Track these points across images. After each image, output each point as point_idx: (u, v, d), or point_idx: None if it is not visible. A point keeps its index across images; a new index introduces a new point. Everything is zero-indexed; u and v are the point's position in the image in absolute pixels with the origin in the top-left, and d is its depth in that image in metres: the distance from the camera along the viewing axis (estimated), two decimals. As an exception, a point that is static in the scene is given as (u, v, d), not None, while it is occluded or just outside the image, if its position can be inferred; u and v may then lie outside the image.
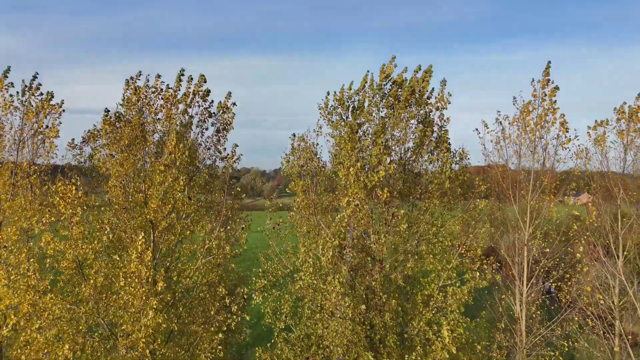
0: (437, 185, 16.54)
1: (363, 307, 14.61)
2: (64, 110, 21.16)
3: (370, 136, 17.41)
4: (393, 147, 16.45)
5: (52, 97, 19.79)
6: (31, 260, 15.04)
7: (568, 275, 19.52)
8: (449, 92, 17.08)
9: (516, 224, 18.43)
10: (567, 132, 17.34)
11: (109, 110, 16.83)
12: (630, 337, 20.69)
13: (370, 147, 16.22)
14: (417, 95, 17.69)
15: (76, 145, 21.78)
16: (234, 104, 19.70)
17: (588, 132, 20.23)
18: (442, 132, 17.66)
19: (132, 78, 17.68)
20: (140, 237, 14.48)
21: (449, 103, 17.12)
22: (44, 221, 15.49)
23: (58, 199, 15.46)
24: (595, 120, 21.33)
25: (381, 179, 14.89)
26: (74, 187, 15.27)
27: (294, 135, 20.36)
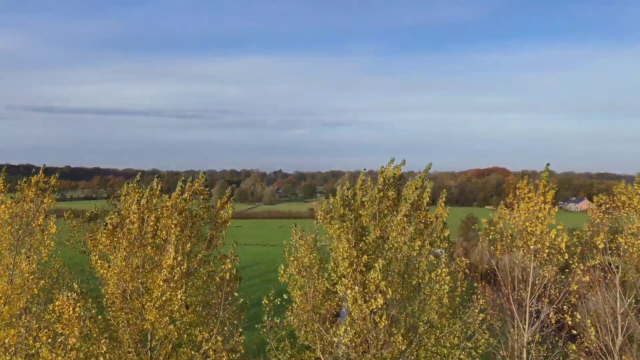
0: (436, 299, 16.55)
1: None
2: (58, 180, 20.95)
3: (370, 241, 17.33)
4: (394, 262, 16.40)
5: (53, 190, 19.79)
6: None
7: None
8: (449, 207, 17.15)
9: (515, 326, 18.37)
10: (566, 245, 17.28)
11: (106, 223, 16.79)
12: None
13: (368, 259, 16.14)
14: (416, 203, 17.70)
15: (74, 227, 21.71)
16: (233, 198, 19.82)
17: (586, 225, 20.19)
18: (440, 239, 17.63)
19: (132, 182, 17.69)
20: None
21: (447, 216, 17.19)
22: (41, 337, 15.41)
23: (55, 318, 15.43)
24: (595, 204, 21.23)
25: (379, 306, 14.86)
26: (71, 308, 15.19)
27: (295, 225, 20.32)
